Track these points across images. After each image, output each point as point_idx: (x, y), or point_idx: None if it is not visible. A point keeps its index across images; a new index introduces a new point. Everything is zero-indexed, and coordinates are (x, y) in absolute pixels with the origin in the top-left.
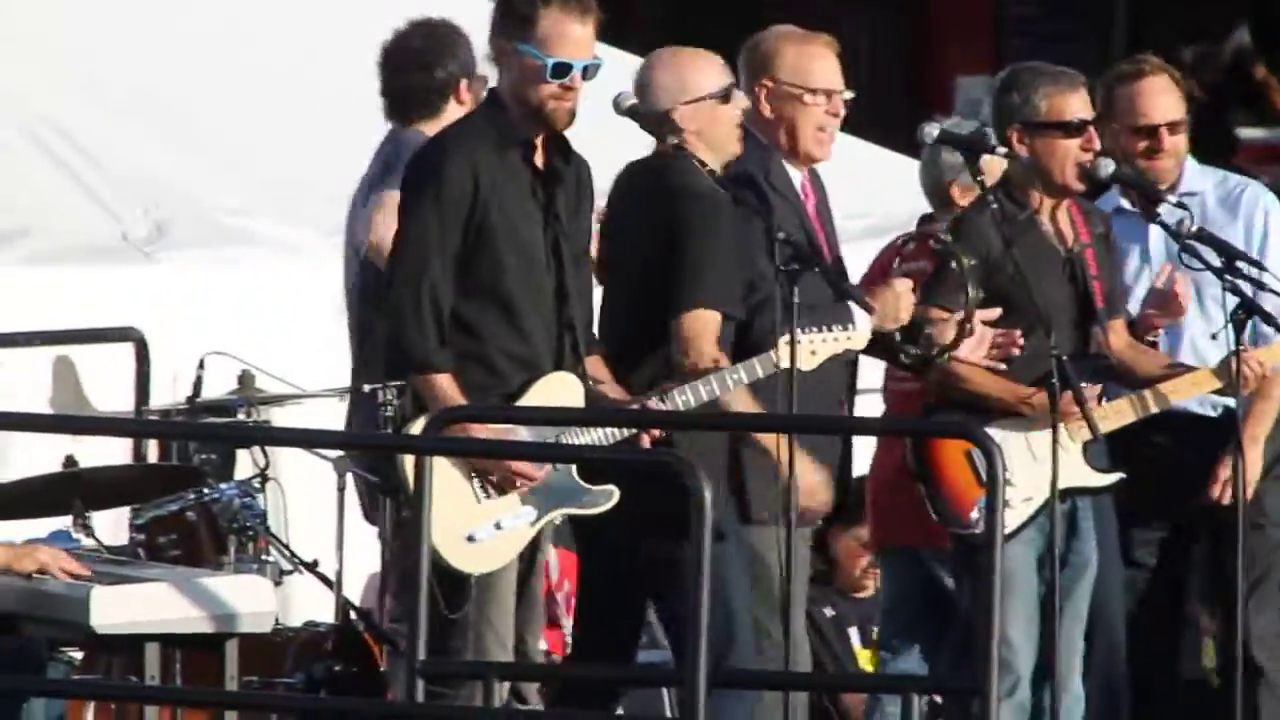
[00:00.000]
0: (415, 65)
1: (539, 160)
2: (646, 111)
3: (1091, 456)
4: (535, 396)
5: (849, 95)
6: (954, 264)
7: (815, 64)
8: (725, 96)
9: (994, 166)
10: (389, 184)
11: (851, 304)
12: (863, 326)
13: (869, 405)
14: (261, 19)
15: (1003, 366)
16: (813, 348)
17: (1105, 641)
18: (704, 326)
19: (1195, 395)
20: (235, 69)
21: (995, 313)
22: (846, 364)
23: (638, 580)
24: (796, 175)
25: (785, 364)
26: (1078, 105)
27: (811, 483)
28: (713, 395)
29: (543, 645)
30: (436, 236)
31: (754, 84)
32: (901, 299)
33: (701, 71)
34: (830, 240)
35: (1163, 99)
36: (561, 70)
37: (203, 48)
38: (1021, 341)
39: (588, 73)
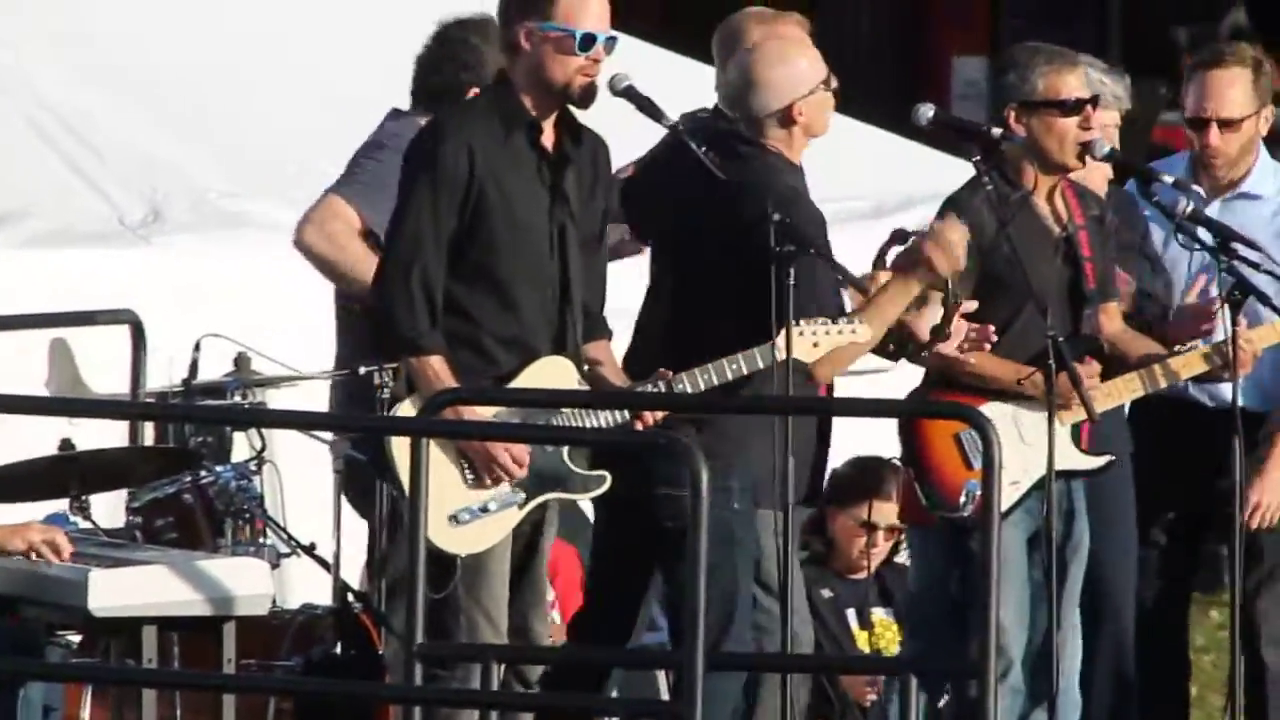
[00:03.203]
0: (428, 67)
1: (547, 141)
2: (756, 110)
3: (1103, 438)
4: (527, 380)
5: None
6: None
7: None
8: (828, 82)
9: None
10: (340, 183)
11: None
12: (863, 328)
13: (865, 388)
14: (259, 2)
15: (972, 360)
16: (815, 339)
17: (1112, 627)
18: None
19: (1188, 376)
20: (231, 52)
21: (971, 305)
22: None
23: (644, 559)
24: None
25: (785, 355)
26: (1075, 84)
27: None
28: (710, 384)
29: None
30: (430, 220)
31: None
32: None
33: (814, 61)
34: None
35: (1227, 92)
36: (588, 42)
37: (200, 31)
38: (995, 338)
39: (609, 46)
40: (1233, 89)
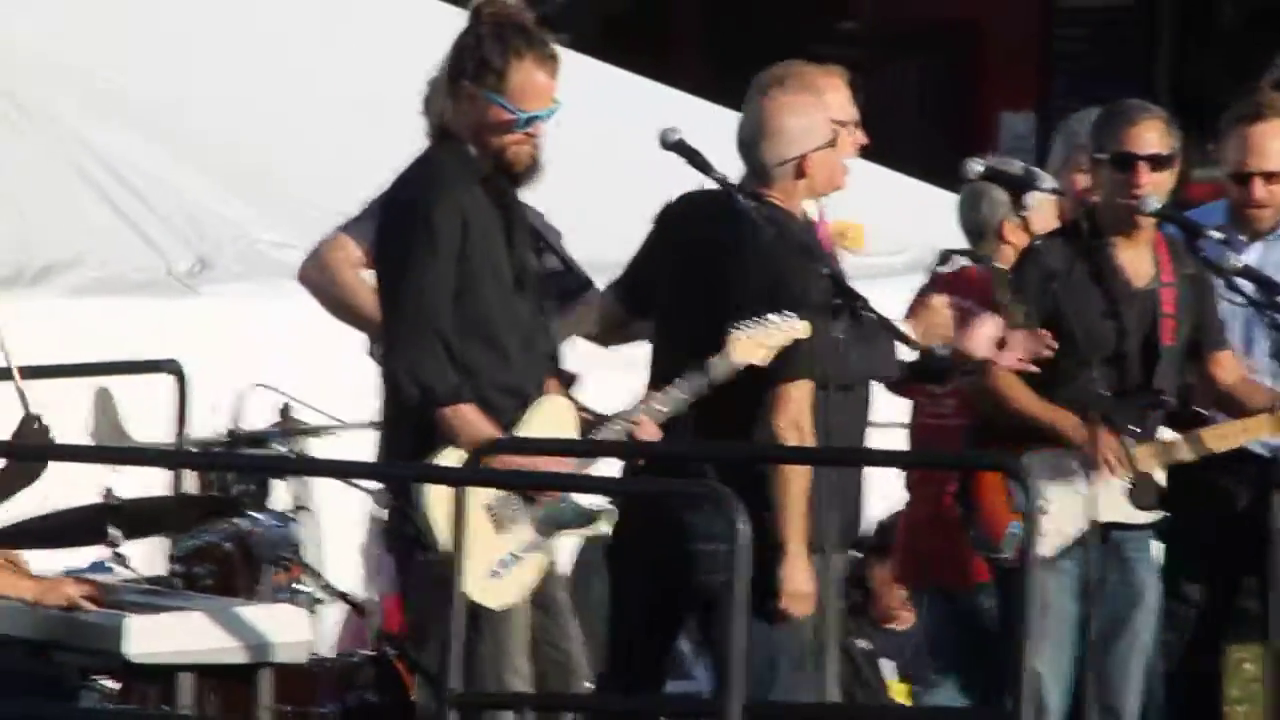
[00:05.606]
0: None
1: (497, 192)
2: (768, 159)
3: (1140, 493)
4: (533, 424)
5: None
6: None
7: (837, 96)
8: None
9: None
10: (351, 220)
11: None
12: (802, 323)
13: (889, 440)
14: (308, 55)
15: (1033, 368)
16: (760, 340)
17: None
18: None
19: (1245, 441)
20: (279, 103)
21: (1046, 336)
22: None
23: (671, 608)
24: (813, 207)
25: (737, 359)
26: (1153, 140)
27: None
28: (682, 399)
29: None
30: (434, 276)
31: None
32: (940, 312)
33: (822, 111)
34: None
35: (1270, 145)
36: (529, 123)
37: (248, 82)
38: (1055, 344)
39: (548, 117)
40: (1275, 141)
